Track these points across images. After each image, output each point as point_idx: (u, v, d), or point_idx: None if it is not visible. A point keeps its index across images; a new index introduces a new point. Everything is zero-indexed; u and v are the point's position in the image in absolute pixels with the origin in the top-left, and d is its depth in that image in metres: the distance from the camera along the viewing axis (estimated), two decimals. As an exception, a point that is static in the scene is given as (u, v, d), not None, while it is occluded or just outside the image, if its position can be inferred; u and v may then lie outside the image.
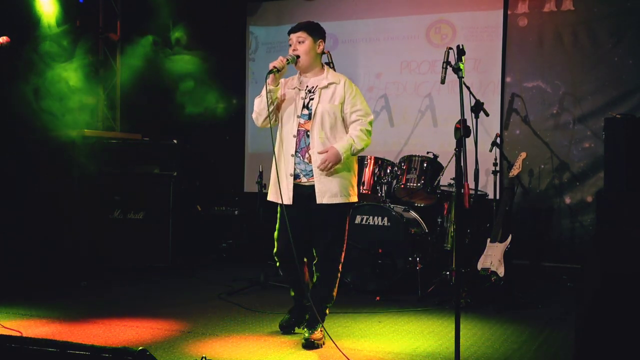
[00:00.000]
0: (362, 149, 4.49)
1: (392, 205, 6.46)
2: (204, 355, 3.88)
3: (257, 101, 4.54)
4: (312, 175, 4.44)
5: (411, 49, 8.08)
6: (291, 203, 4.44)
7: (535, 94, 7.55)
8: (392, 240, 6.22)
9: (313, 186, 4.43)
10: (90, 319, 5.05)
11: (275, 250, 4.61)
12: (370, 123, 4.54)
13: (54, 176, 7.10)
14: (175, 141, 7.40)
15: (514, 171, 6.20)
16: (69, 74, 7.68)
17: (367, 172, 6.64)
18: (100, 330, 4.76)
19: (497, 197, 6.31)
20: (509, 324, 5.18)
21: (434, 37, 7.98)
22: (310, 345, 4.42)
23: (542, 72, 7.53)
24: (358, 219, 6.40)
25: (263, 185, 7.06)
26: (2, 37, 4.90)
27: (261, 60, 8.89)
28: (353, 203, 4.60)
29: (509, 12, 7.65)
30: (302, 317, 4.74)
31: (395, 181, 6.63)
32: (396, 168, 6.67)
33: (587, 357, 2.95)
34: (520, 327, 5.07)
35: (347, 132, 4.50)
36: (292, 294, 4.78)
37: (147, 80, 8.41)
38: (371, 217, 6.36)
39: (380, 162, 6.68)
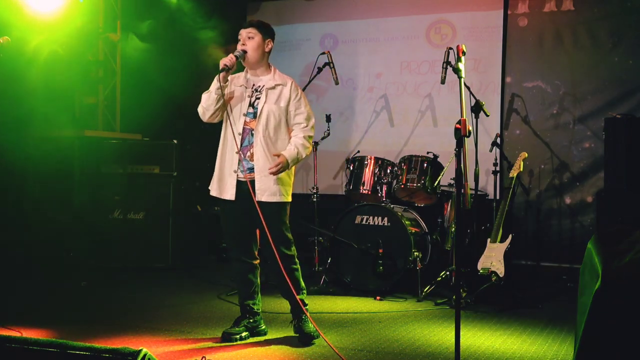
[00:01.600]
0: (305, 158, 4.63)
1: (392, 206, 6.46)
2: (204, 356, 3.88)
3: (205, 96, 4.56)
4: (250, 172, 4.51)
5: (411, 49, 8.07)
6: (234, 199, 4.51)
7: (535, 94, 7.55)
8: (393, 240, 6.22)
9: (251, 182, 4.46)
10: (90, 319, 5.05)
11: (226, 243, 4.74)
12: (312, 127, 4.65)
13: (54, 176, 7.11)
14: (175, 141, 7.40)
15: (514, 171, 6.20)
16: (69, 74, 7.68)
17: (368, 172, 6.64)
18: (100, 330, 4.75)
19: (497, 197, 6.31)
20: (509, 324, 5.18)
21: (434, 37, 7.98)
22: (306, 337, 4.50)
23: (542, 72, 7.52)
24: (358, 219, 6.40)
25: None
26: (2, 37, 4.90)
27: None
28: (289, 202, 4.64)
29: (509, 12, 7.64)
30: (249, 329, 4.64)
31: (395, 181, 6.63)
32: (396, 168, 6.67)
33: (588, 357, 2.95)
34: (521, 327, 5.07)
35: (289, 134, 4.59)
36: (240, 299, 4.72)
37: (147, 80, 8.40)
38: (371, 217, 6.36)
39: (381, 162, 6.68)
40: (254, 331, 4.66)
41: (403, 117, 8.06)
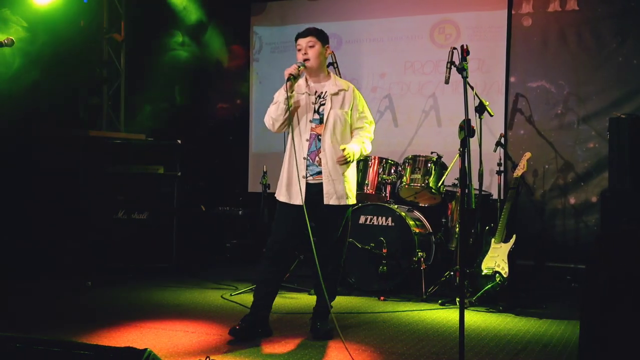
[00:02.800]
0: (367, 155, 4.83)
1: (396, 206, 6.45)
2: (208, 355, 3.89)
3: (273, 108, 4.64)
4: (317, 174, 4.62)
5: (415, 49, 8.07)
6: (303, 204, 4.52)
7: (539, 94, 7.53)
8: (397, 241, 6.22)
9: (318, 185, 4.60)
10: (94, 319, 5.06)
11: (268, 244, 4.70)
12: (373, 132, 4.82)
13: (58, 176, 7.12)
14: (179, 141, 7.40)
15: (518, 171, 6.19)
16: (73, 74, 7.70)
17: (371, 172, 6.64)
18: (105, 330, 4.76)
19: (502, 197, 6.30)
20: (513, 324, 5.18)
21: (438, 37, 7.97)
22: (325, 333, 4.63)
23: (547, 72, 7.51)
24: (362, 219, 6.40)
25: (267, 186, 7.07)
26: (7, 37, 4.91)
27: (265, 60, 8.89)
28: (354, 204, 4.81)
29: (513, 12, 7.63)
30: (255, 328, 4.63)
31: (399, 181, 6.63)
32: (400, 168, 6.67)
33: (592, 357, 2.95)
34: (525, 328, 5.07)
35: (352, 137, 4.73)
36: (255, 298, 4.70)
37: (151, 80, 8.43)
38: (375, 217, 6.36)
39: (385, 162, 6.68)
40: (260, 330, 4.67)
41: (407, 117, 8.05)
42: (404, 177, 6.57)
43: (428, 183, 6.45)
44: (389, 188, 6.66)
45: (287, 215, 4.64)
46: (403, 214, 6.32)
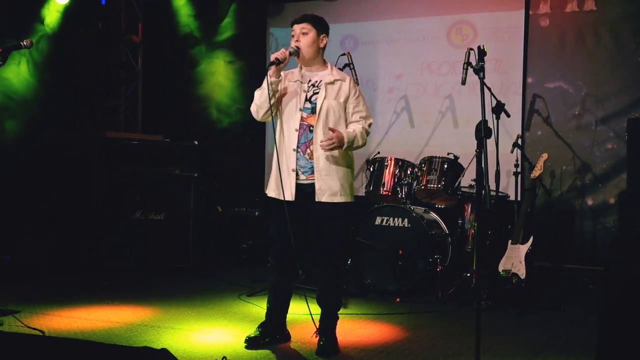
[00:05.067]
0: (359, 147, 4.39)
1: (412, 207, 6.44)
2: (224, 356, 3.90)
3: (257, 94, 4.40)
4: (311, 173, 4.31)
5: (432, 49, 8.05)
6: (293, 199, 4.30)
7: (557, 95, 7.49)
8: (413, 242, 6.21)
9: (311, 184, 4.31)
10: (111, 319, 5.09)
11: (272, 253, 4.49)
12: (370, 126, 4.48)
13: (76, 177, 7.17)
14: (196, 142, 7.43)
15: (536, 172, 6.16)
16: (91, 75, 7.76)
17: (388, 173, 6.63)
18: (122, 330, 4.79)
19: (519, 198, 6.27)
20: (530, 326, 5.15)
21: (455, 38, 7.95)
22: (331, 350, 4.31)
23: (564, 73, 7.47)
24: (378, 220, 6.39)
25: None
26: (26, 40, 4.95)
27: (282, 61, 8.89)
28: (352, 202, 4.46)
29: (530, 13, 7.59)
30: (273, 334, 4.53)
31: (415, 182, 6.62)
32: (416, 169, 6.66)
33: (610, 359, 2.93)
34: (542, 330, 5.04)
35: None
36: (269, 306, 4.57)
37: (169, 81, 8.47)
38: (391, 219, 6.35)
39: (401, 164, 6.67)
40: (277, 336, 4.55)
41: (423, 118, 8.03)
42: (420, 179, 6.55)
43: (444, 184, 6.44)
44: (405, 189, 6.65)
45: (280, 214, 4.28)
46: (419, 215, 6.31)
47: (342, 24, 8.42)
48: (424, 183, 6.51)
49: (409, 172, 6.67)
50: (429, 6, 8.07)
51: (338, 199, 4.32)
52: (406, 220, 6.30)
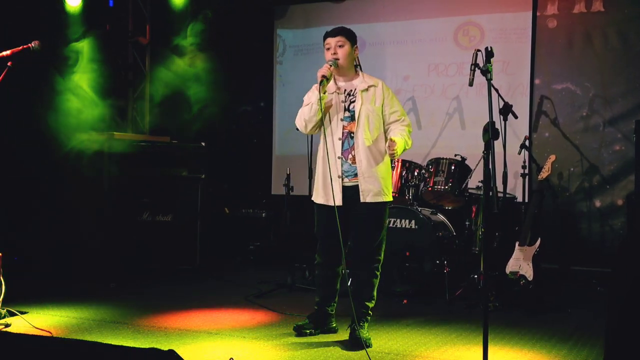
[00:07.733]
0: (408, 149, 4.67)
1: (419, 208, 6.43)
2: (231, 357, 3.90)
3: (305, 110, 4.62)
4: (354, 176, 4.59)
5: (439, 51, 8.05)
6: (341, 204, 4.56)
7: (564, 96, 7.48)
8: (420, 243, 6.20)
9: (355, 186, 4.58)
10: (118, 320, 5.10)
11: (319, 249, 4.75)
12: (410, 124, 4.73)
13: (84, 179, 7.18)
14: (203, 144, 7.44)
15: (543, 174, 6.14)
16: (99, 77, 7.77)
17: (395, 174, 6.62)
18: (129, 331, 4.80)
19: (526, 200, 6.26)
20: (538, 328, 5.14)
21: (462, 40, 7.94)
22: (358, 342, 4.44)
23: (572, 74, 7.46)
24: (385, 222, 6.38)
25: (290, 188, 7.08)
26: (33, 41, 4.97)
27: (288, 63, 8.92)
28: (391, 202, 4.73)
29: (538, 14, 7.59)
30: (321, 325, 4.82)
31: (422, 184, 6.61)
32: (424, 171, 6.65)
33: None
34: (550, 332, 5.02)
35: (385, 133, 4.66)
36: (317, 299, 4.84)
37: (176, 83, 8.47)
38: (399, 220, 6.34)
39: (408, 165, 6.66)
40: (325, 328, 4.82)
41: (431, 120, 8.03)
42: (428, 180, 6.54)
43: (452, 186, 6.43)
44: (412, 191, 6.64)
45: (326, 218, 4.62)
46: (426, 216, 6.30)
47: (349, 25, 8.35)
48: (431, 184, 6.51)
49: (416, 174, 6.66)
50: (436, 8, 8.07)
51: (381, 198, 4.61)
52: (413, 221, 6.29)
